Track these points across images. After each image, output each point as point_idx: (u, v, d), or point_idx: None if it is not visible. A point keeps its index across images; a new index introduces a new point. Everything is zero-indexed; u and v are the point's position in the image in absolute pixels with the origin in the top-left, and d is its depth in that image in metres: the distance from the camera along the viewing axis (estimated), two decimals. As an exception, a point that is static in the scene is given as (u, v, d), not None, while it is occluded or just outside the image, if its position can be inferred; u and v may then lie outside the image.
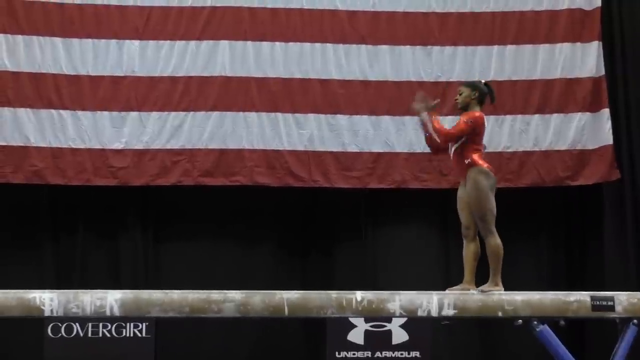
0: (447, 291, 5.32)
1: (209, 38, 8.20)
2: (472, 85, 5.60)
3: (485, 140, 8.11)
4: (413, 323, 7.77)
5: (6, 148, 7.95)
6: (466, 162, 5.43)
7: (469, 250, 5.51)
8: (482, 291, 5.26)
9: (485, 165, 5.45)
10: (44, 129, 8.01)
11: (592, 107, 8.36)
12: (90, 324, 7.74)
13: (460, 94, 5.59)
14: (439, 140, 5.51)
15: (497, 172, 8.13)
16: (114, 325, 7.78)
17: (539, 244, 8.71)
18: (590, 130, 8.34)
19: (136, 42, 8.16)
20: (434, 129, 5.48)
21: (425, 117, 5.52)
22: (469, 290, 5.36)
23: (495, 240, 5.38)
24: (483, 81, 5.74)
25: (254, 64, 8.22)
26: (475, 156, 5.43)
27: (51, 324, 7.69)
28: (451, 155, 5.54)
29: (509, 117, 8.37)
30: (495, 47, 8.45)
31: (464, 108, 5.56)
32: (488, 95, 5.62)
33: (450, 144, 5.51)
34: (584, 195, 8.59)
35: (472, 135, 5.43)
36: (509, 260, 8.51)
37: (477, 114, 5.47)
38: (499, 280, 5.37)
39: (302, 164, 8.17)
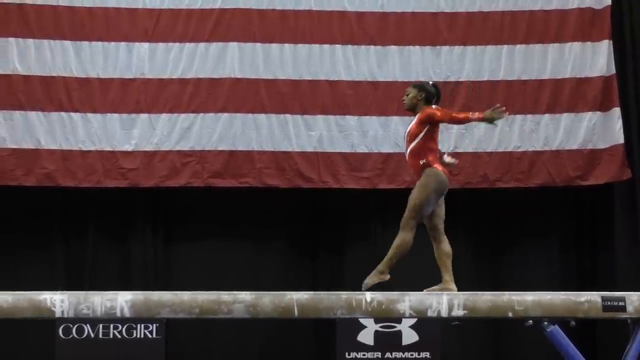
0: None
1: (218, 40, 8.22)
2: (420, 86, 5.63)
3: (495, 139, 8.25)
4: (423, 323, 7.75)
5: (17, 151, 8.00)
6: (421, 162, 5.46)
7: (440, 251, 5.56)
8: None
9: (440, 168, 5.47)
10: (54, 132, 8.05)
11: (603, 106, 8.34)
12: (101, 325, 7.77)
13: (407, 95, 5.63)
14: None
15: (507, 172, 8.26)
16: (124, 327, 7.81)
17: (550, 244, 8.68)
18: (601, 129, 8.31)
19: (146, 45, 8.19)
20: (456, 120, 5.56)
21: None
22: (450, 290, 5.37)
23: (405, 236, 5.48)
24: (431, 82, 5.77)
25: (263, 66, 8.24)
26: (431, 157, 5.46)
27: (62, 325, 7.72)
28: (407, 156, 5.55)
29: (519, 117, 8.35)
30: (505, 47, 8.43)
31: (411, 109, 5.62)
32: (433, 96, 5.62)
33: (406, 144, 5.54)
34: (595, 194, 8.56)
35: (427, 135, 5.44)
36: (520, 260, 8.60)
37: (430, 110, 5.47)
38: (386, 270, 5.47)
39: (311, 165, 8.19)
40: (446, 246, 5.60)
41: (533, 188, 8.34)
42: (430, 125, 5.48)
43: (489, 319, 6.75)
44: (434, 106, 5.57)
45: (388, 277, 5.47)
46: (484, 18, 8.44)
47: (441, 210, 5.60)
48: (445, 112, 5.54)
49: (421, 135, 5.47)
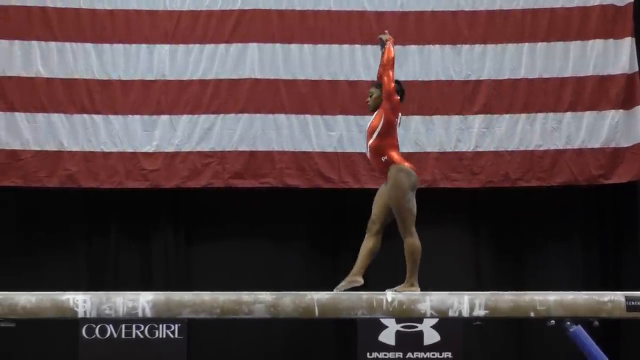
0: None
1: (238, 41, 8.24)
2: (382, 86, 5.48)
3: (516, 138, 8.21)
4: (444, 323, 7.73)
5: (41, 153, 8.06)
6: (383, 159, 5.35)
7: (367, 245, 5.44)
8: (396, 291, 5.18)
9: (405, 163, 5.35)
10: (76, 134, 8.11)
11: (626, 104, 8.26)
12: (123, 326, 7.83)
13: (370, 96, 5.53)
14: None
15: (529, 171, 8.22)
16: (146, 327, 7.86)
17: (572, 244, 8.62)
18: (624, 127, 8.24)
19: (166, 47, 8.23)
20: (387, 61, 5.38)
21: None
22: (356, 281, 5.31)
23: (414, 241, 5.34)
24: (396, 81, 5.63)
25: (283, 66, 8.25)
26: (393, 153, 5.34)
27: (86, 325, 7.79)
28: (367, 152, 5.45)
29: (540, 115, 8.30)
30: (526, 45, 8.38)
31: (375, 109, 5.49)
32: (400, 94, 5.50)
33: (367, 139, 5.42)
34: (618, 193, 8.49)
35: (384, 126, 5.32)
36: (542, 259, 8.54)
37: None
38: (415, 281, 5.30)
39: (331, 165, 8.19)
40: (376, 244, 5.47)
41: (555, 187, 8.28)
42: (388, 115, 5.33)
43: (510, 319, 6.70)
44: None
45: (418, 288, 5.32)
46: (504, 16, 8.39)
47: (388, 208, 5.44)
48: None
49: (379, 128, 5.34)
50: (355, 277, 5.39)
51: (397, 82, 5.51)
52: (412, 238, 5.35)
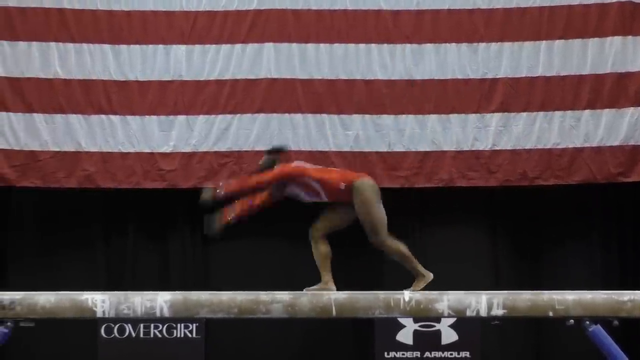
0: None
1: (254, 41, 8.25)
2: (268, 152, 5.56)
3: (534, 136, 8.16)
4: (462, 323, 7.72)
5: (59, 154, 8.11)
6: (342, 187, 5.38)
7: (321, 251, 5.57)
8: (414, 290, 5.23)
9: (364, 178, 5.43)
10: (94, 134, 8.15)
11: (645, 101, 8.22)
12: (142, 325, 7.87)
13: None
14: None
15: (546, 169, 8.17)
16: (164, 326, 7.90)
17: (591, 242, 8.57)
18: (644, 125, 8.19)
19: (183, 47, 8.25)
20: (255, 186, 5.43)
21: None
22: (330, 289, 5.33)
23: (393, 244, 5.40)
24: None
25: (299, 66, 8.25)
26: (338, 176, 5.43)
27: (104, 325, 7.85)
28: (331, 200, 5.49)
29: (558, 113, 8.25)
30: (543, 43, 8.33)
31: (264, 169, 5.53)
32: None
33: (325, 199, 5.48)
34: (637, 191, 8.42)
35: (308, 184, 5.43)
36: (560, 258, 8.49)
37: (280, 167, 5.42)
38: (424, 272, 5.37)
39: (348, 164, 8.17)
40: (327, 247, 5.54)
41: (573, 185, 8.23)
42: (299, 179, 5.42)
43: (529, 319, 6.67)
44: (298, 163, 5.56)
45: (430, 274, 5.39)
46: (521, 14, 8.35)
47: (342, 219, 5.53)
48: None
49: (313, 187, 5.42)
50: (328, 285, 5.43)
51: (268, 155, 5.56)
52: (390, 241, 5.40)
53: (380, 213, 5.38)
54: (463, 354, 7.85)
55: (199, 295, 5.04)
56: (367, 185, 5.40)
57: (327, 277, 5.44)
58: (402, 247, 5.42)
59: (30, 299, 4.94)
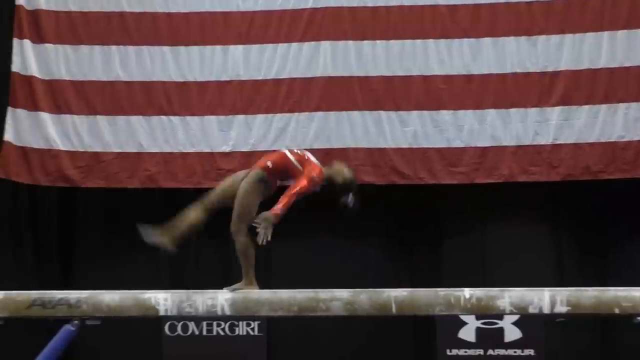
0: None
1: (311, 39, 8.27)
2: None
3: (597, 129, 8.00)
4: (526, 320, 7.60)
5: (122, 154, 8.26)
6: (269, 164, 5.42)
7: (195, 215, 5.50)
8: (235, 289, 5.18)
9: (258, 167, 5.41)
10: (155, 135, 8.28)
11: None
12: (204, 323, 7.98)
13: None
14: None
15: (611, 163, 8.00)
16: (227, 324, 7.99)
17: (659, 237, 8.36)
18: None
19: (240, 47, 8.31)
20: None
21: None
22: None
23: (245, 240, 5.34)
24: None
25: (356, 63, 8.24)
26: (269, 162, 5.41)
27: (168, 323, 7.97)
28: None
29: (622, 105, 8.07)
30: (606, 33, 8.15)
31: None
32: None
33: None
34: None
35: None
36: (627, 254, 8.30)
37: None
38: (252, 279, 5.30)
39: (406, 161, 8.15)
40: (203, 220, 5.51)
41: (639, 179, 8.04)
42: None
43: (594, 316, 6.54)
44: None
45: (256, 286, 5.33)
46: (582, 4, 8.18)
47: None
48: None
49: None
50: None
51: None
52: (243, 237, 5.33)
53: (252, 205, 5.32)
54: (527, 351, 7.74)
55: (259, 293, 5.08)
56: (259, 175, 5.38)
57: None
58: (252, 249, 5.32)
59: (96, 298, 5.04)
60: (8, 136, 8.13)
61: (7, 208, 8.50)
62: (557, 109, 8.12)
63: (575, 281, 7.56)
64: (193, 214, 5.57)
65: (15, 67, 8.20)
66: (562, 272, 8.31)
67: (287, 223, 8.52)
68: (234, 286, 5.27)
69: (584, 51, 8.16)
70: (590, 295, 4.99)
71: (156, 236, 5.38)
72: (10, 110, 8.17)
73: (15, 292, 5.13)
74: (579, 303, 4.96)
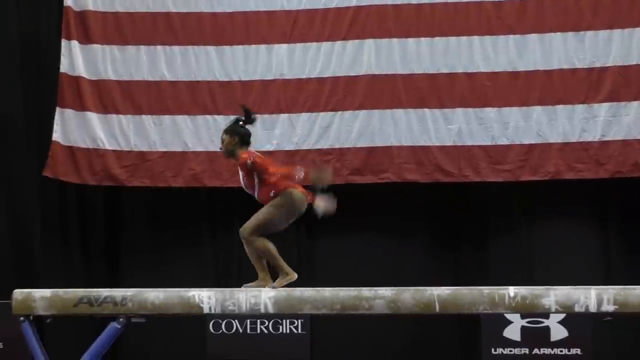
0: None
1: (355, 37, 8.26)
2: (231, 131, 5.51)
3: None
4: (573, 319, 7.48)
5: (167, 154, 8.35)
6: (272, 194, 5.39)
7: (250, 249, 5.50)
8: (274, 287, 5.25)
9: (298, 188, 5.41)
10: (200, 134, 8.35)
11: None
12: (248, 321, 8.02)
13: (222, 142, 5.54)
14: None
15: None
16: (270, 322, 8.02)
17: None
18: None
19: (284, 46, 8.34)
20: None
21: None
22: (264, 286, 5.31)
23: (261, 242, 5.41)
24: (241, 118, 5.60)
25: (400, 61, 8.21)
26: (276, 180, 5.36)
27: (212, 321, 8.04)
28: (260, 201, 5.47)
29: (673, 101, 7.91)
30: (656, 28, 7.99)
31: (230, 155, 5.51)
32: (248, 136, 5.52)
33: (254, 195, 5.50)
34: None
35: (260, 177, 5.39)
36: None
37: (244, 155, 5.39)
38: (288, 270, 5.44)
39: (451, 159, 8.08)
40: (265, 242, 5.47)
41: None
42: (257, 172, 5.39)
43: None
44: (251, 149, 5.51)
45: (295, 276, 5.45)
46: (632, -2, 8.04)
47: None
48: (265, 162, 5.40)
49: (256, 183, 5.42)
50: (264, 281, 5.45)
51: (245, 120, 5.60)
52: (259, 241, 5.41)
53: (273, 218, 5.39)
54: (574, 350, 7.62)
55: (302, 291, 5.08)
56: (295, 195, 5.40)
57: (262, 273, 5.49)
58: (271, 248, 5.43)
59: (141, 296, 5.09)
60: (56, 136, 8.27)
61: (55, 208, 8.65)
62: (605, 105, 7.98)
63: (622, 280, 7.41)
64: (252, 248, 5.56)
65: (64, 67, 8.34)
66: (609, 271, 8.17)
67: (331, 221, 8.61)
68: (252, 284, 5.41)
69: (633, 46, 8.02)
70: (638, 293, 4.90)
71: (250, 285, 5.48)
72: (58, 110, 8.31)
73: (63, 290, 5.22)
74: (627, 302, 4.87)
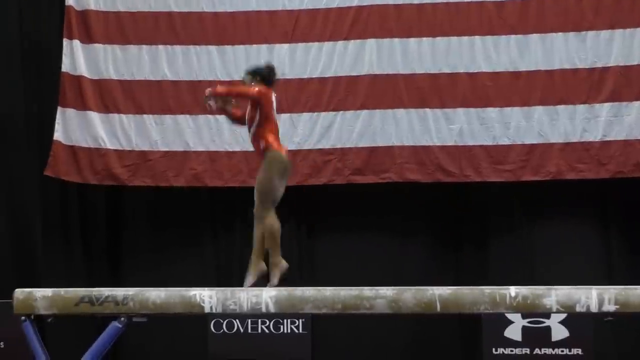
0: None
1: (356, 37, 8.26)
2: (253, 72, 5.67)
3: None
4: (574, 319, 7.48)
5: (168, 153, 8.36)
6: (262, 146, 5.51)
7: (259, 231, 5.59)
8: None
9: (282, 150, 5.57)
10: (202, 134, 8.35)
11: None
12: (249, 321, 8.03)
13: (243, 83, 5.68)
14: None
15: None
16: (271, 322, 8.02)
17: None
18: None
19: (285, 46, 8.34)
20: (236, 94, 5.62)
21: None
22: (262, 269, 5.48)
23: (272, 222, 5.50)
24: (265, 64, 5.83)
25: (401, 61, 8.21)
26: (271, 138, 5.50)
27: (213, 320, 8.04)
28: (250, 140, 5.62)
29: (675, 101, 7.90)
30: (658, 28, 7.99)
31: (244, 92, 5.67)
32: (270, 76, 5.69)
33: (248, 130, 5.61)
34: None
35: (261, 115, 5.50)
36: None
37: (258, 87, 5.54)
38: (279, 260, 5.50)
39: (452, 159, 8.09)
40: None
41: None
42: (261, 107, 5.51)
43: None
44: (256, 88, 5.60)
45: (286, 264, 5.56)
46: (633, -2, 8.05)
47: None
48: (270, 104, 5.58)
49: (257, 120, 5.55)
50: (260, 265, 5.59)
51: (268, 66, 5.76)
52: (270, 218, 5.53)
53: (273, 186, 5.51)
54: (575, 351, 7.62)
55: (303, 291, 5.08)
56: (277, 156, 5.52)
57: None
58: (277, 230, 5.53)
59: (142, 295, 5.08)
60: (58, 135, 8.28)
61: (56, 207, 8.65)
62: (607, 105, 7.99)
63: (623, 280, 7.42)
64: (259, 231, 5.66)
65: (65, 67, 8.35)
66: (610, 271, 8.17)
67: (332, 220, 8.62)
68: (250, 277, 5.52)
69: (635, 46, 8.02)
70: (639, 293, 4.89)
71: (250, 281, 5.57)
72: (59, 110, 8.31)
73: (64, 289, 5.21)
74: (628, 302, 4.85)
